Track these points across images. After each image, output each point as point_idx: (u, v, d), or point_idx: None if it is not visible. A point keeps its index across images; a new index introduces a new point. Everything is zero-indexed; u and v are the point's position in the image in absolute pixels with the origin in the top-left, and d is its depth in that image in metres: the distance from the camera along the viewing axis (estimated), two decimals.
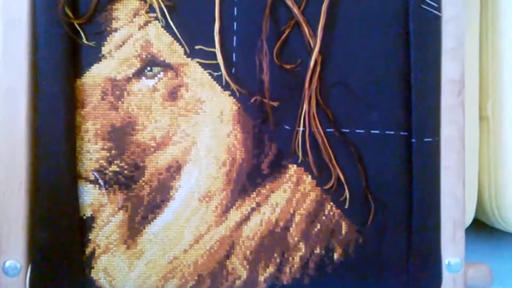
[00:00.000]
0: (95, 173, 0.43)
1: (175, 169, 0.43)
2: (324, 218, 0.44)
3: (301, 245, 0.44)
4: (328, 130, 0.44)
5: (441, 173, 0.44)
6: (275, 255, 0.44)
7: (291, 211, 0.44)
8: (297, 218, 0.44)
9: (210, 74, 0.43)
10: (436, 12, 0.43)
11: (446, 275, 0.44)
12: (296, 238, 0.44)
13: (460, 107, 0.44)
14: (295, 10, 0.43)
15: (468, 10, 0.49)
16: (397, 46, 0.44)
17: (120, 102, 0.43)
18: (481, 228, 0.61)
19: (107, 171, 0.43)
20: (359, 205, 0.44)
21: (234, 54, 0.43)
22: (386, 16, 0.44)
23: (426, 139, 0.43)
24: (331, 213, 0.44)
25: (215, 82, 0.43)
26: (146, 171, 0.43)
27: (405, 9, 0.44)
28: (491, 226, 0.58)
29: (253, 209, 0.44)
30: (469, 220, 0.53)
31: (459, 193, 0.44)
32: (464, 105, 0.44)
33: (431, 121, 0.44)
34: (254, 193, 0.44)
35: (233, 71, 0.43)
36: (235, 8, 0.43)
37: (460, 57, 0.44)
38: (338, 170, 0.43)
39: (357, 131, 0.44)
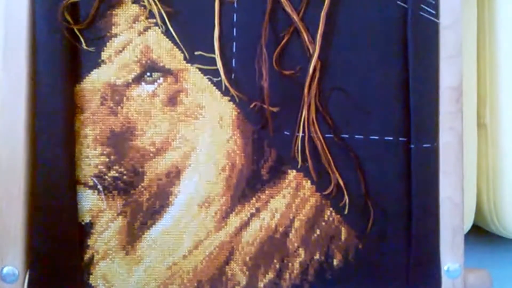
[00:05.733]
0: (94, 179, 0.43)
1: (174, 175, 0.43)
2: (323, 223, 0.44)
3: (301, 251, 0.44)
4: (327, 135, 0.44)
5: (439, 179, 0.44)
6: (275, 261, 0.44)
7: (291, 217, 0.44)
8: (296, 224, 0.44)
9: (209, 79, 0.43)
10: (434, 19, 0.44)
11: (445, 281, 0.44)
12: (295, 244, 0.44)
13: (459, 114, 0.44)
14: (295, 16, 0.43)
15: (465, 17, 0.49)
16: (396, 53, 0.44)
17: (119, 107, 0.43)
18: (480, 234, 0.61)
19: (106, 177, 0.43)
20: (359, 210, 0.44)
21: (233, 60, 0.43)
22: (385, 23, 0.44)
23: (424, 145, 0.44)
24: (331, 218, 0.44)
25: (214, 87, 0.43)
26: (145, 176, 0.43)
27: (403, 16, 0.44)
28: (490, 232, 0.58)
29: (252, 215, 0.44)
30: (468, 226, 0.53)
31: (457, 199, 0.44)
32: (462, 111, 0.44)
33: (430, 127, 0.44)
34: (254, 198, 0.44)
35: (232, 77, 0.43)
36: (235, 15, 0.43)
37: (458, 64, 0.44)
38: (337, 175, 0.44)
39: (356, 136, 0.44)
